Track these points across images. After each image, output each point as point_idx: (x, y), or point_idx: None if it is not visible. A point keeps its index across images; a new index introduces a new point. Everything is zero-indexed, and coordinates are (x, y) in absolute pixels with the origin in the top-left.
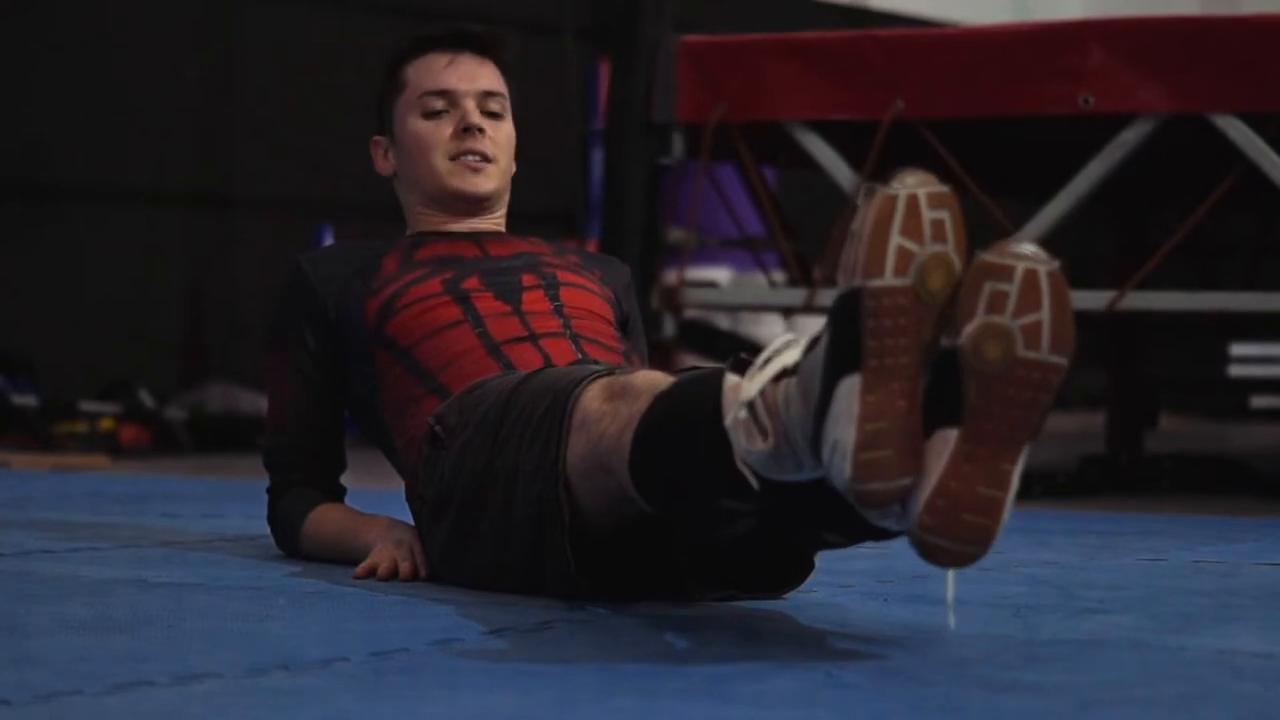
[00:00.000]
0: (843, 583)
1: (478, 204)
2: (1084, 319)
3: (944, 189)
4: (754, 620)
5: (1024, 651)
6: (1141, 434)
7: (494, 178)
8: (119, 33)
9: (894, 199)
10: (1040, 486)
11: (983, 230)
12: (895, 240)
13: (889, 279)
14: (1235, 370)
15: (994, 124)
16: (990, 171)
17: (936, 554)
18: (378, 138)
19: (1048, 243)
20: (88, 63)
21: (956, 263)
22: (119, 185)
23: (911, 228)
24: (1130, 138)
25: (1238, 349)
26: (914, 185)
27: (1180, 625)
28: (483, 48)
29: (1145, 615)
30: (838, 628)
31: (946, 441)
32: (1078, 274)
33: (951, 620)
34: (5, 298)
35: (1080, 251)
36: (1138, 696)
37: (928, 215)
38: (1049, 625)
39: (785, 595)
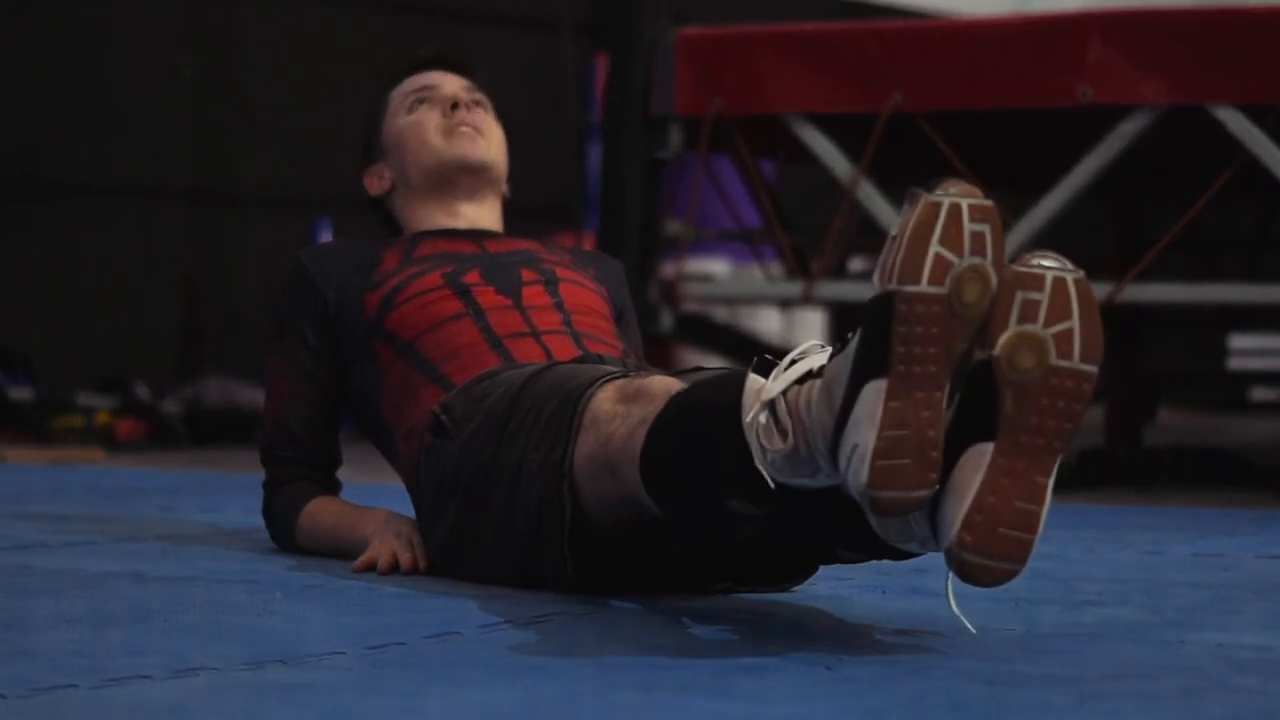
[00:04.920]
0: (842, 576)
1: (475, 174)
2: None
3: (988, 203)
4: (754, 614)
5: (1024, 644)
6: (1141, 427)
7: (487, 149)
8: (115, 29)
9: (937, 206)
10: None
11: None
12: (934, 248)
13: (924, 286)
14: (1235, 363)
15: (993, 117)
16: (989, 164)
17: (975, 572)
18: (370, 168)
19: (1046, 236)
20: (85, 59)
21: (993, 277)
22: (117, 181)
23: (951, 237)
24: (1129, 130)
25: (1237, 342)
26: (958, 195)
27: (1180, 618)
28: (455, 66)
29: (1145, 608)
30: (837, 621)
31: (982, 456)
32: (1078, 267)
33: (969, 626)
34: (3, 293)
35: (1079, 244)
36: (1137, 689)
37: (969, 227)
38: (1049, 618)
39: (790, 589)
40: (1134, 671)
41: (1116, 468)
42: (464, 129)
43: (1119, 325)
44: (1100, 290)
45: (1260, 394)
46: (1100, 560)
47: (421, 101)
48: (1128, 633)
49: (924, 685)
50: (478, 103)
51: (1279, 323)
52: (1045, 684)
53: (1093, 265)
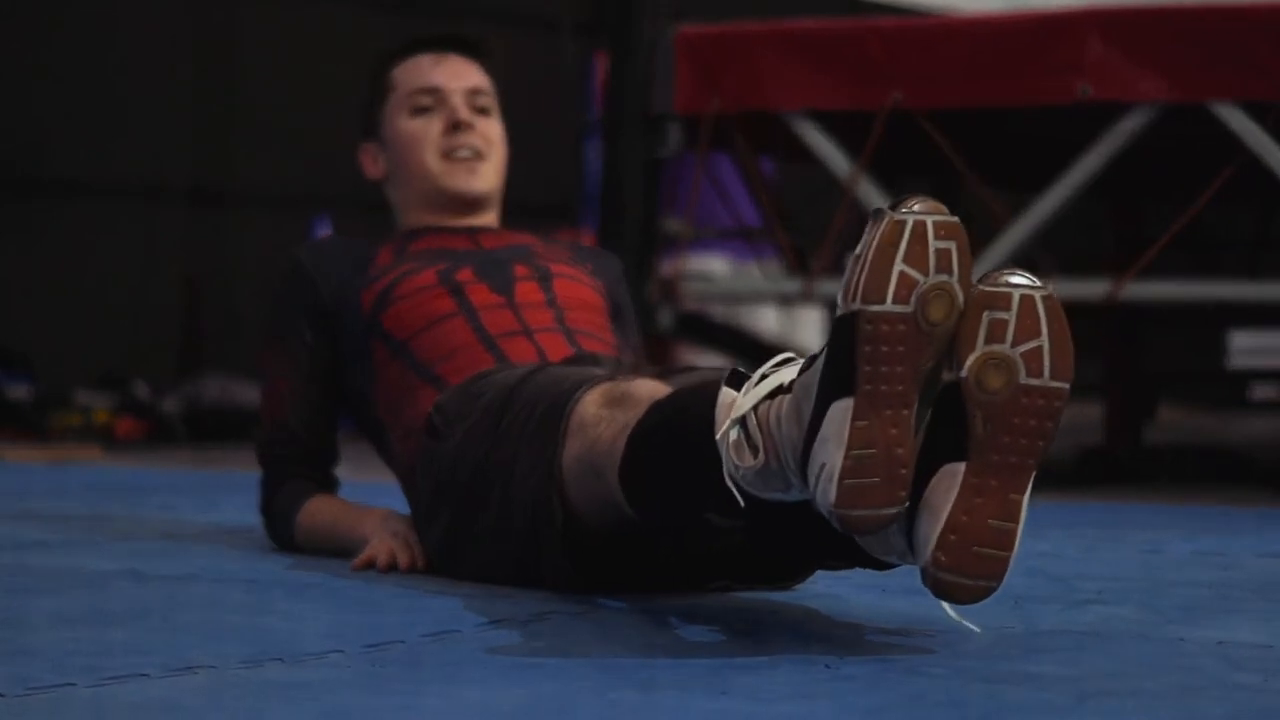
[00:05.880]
0: (840, 575)
1: (472, 204)
2: (1083, 310)
3: (953, 219)
4: (753, 612)
5: (1023, 643)
6: (1141, 426)
7: (487, 176)
8: (115, 29)
9: (901, 224)
10: (1039, 478)
11: (981, 221)
12: (898, 267)
13: (889, 305)
14: (1235, 361)
15: (992, 115)
16: (989, 162)
17: (952, 591)
18: (366, 145)
19: (1046, 233)
20: (85, 59)
21: (959, 294)
22: (117, 181)
23: (916, 255)
24: (1129, 127)
25: (1237, 340)
26: (922, 212)
27: (1179, 617)
28: (468, 49)
29: (1144, 607)
30: (837, 620)
31: (954, 476)
32: (1077, 265)
33: (974, 626)
34: (3, 292)
35: (1079, 242)
36: (1137, 688)
37: (934, 244)
38: (1048, 617)
39: (789, 587)
40: (1133, 670)
41: (1116, 466)
42: (463, 153)
43: (1118, 323)
44: (1100, 288)
45: (1260, 392)
46: (1099, 559)
47: (424, 110)
48: (1127, 631)
49: (923, 684)
50: (481, 110)
51: (1279, 321)
52: (1044, 682)
53: (1092, 263)
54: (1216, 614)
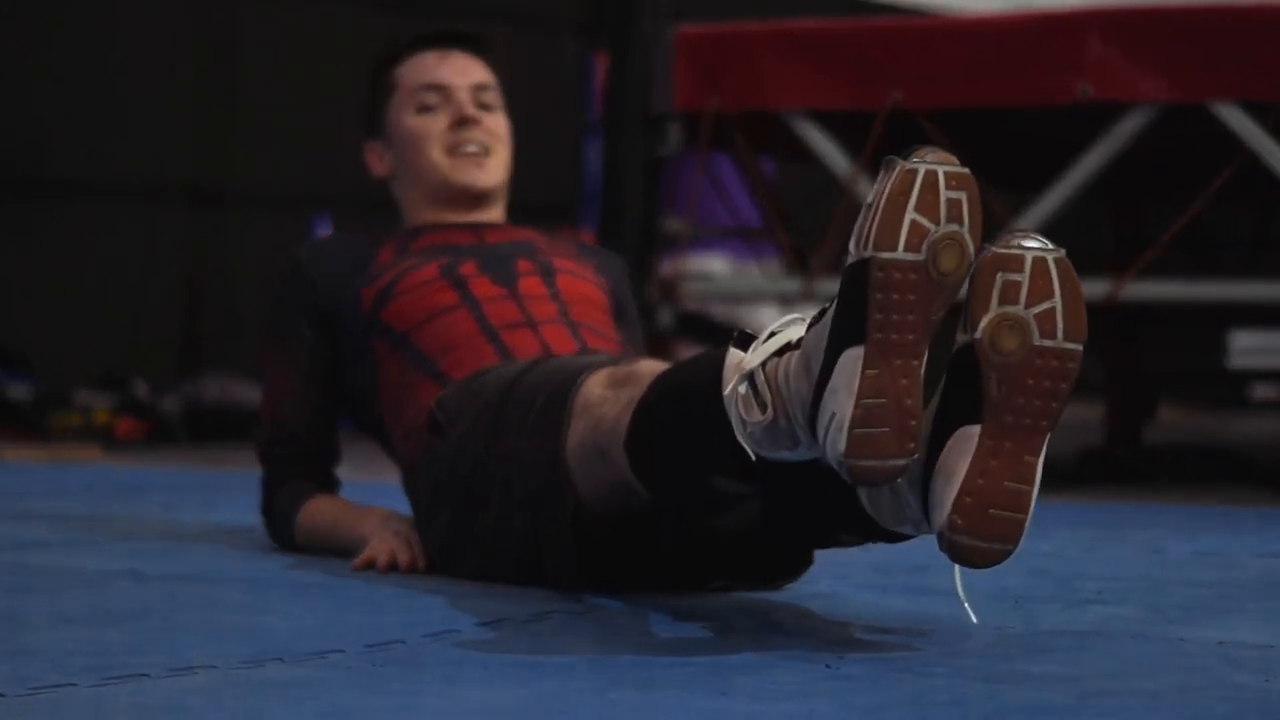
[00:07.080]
0: (841, 574)
1: (479, 198)
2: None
3: (964, 170)
4: (753, 612)
5: (1023, 643)
6: (1141, 426)
7: (494, 171)
8: (115, 29)
9: (913, 173)
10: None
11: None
12: (910, 215)
13: (900, 253)
14: (1235, 361)
15: (992, 115)
16: (989, 163)
17: (968, 554)
18: (371, 142)
19: (1047, 232)
20: (85, 59)
21: (970, 245)
22: (117, 181)
23: (928, 205)
24: (1129, 127)
25: (1237, 340)
26: (934, 162)
27: (1180, 616)
28: (472, 45)
29: (1145, 606)
30: (837, 619)
31: (969, 439)
32: (1077, 265)
33: (973, 616)
34: (3, 292)
35: (1079, 243)
36: (1137, 688)
37: (945, 194)
38: (1048, 616)
39: (782, 587)
40: (1134, 670)
41: (1116, 466)
42: (470, 148)
43: (1118, 323)
44: (1100, 288)
45: (1261, 392)
46: (1100, 558)
47: (430, 107)
48: (1127, 631)
49: (924, 683)
50: (487, 106)
51: (1279, 321)
52: (1045, 682)
53: (1092, 263)
54: (1216, 614)
